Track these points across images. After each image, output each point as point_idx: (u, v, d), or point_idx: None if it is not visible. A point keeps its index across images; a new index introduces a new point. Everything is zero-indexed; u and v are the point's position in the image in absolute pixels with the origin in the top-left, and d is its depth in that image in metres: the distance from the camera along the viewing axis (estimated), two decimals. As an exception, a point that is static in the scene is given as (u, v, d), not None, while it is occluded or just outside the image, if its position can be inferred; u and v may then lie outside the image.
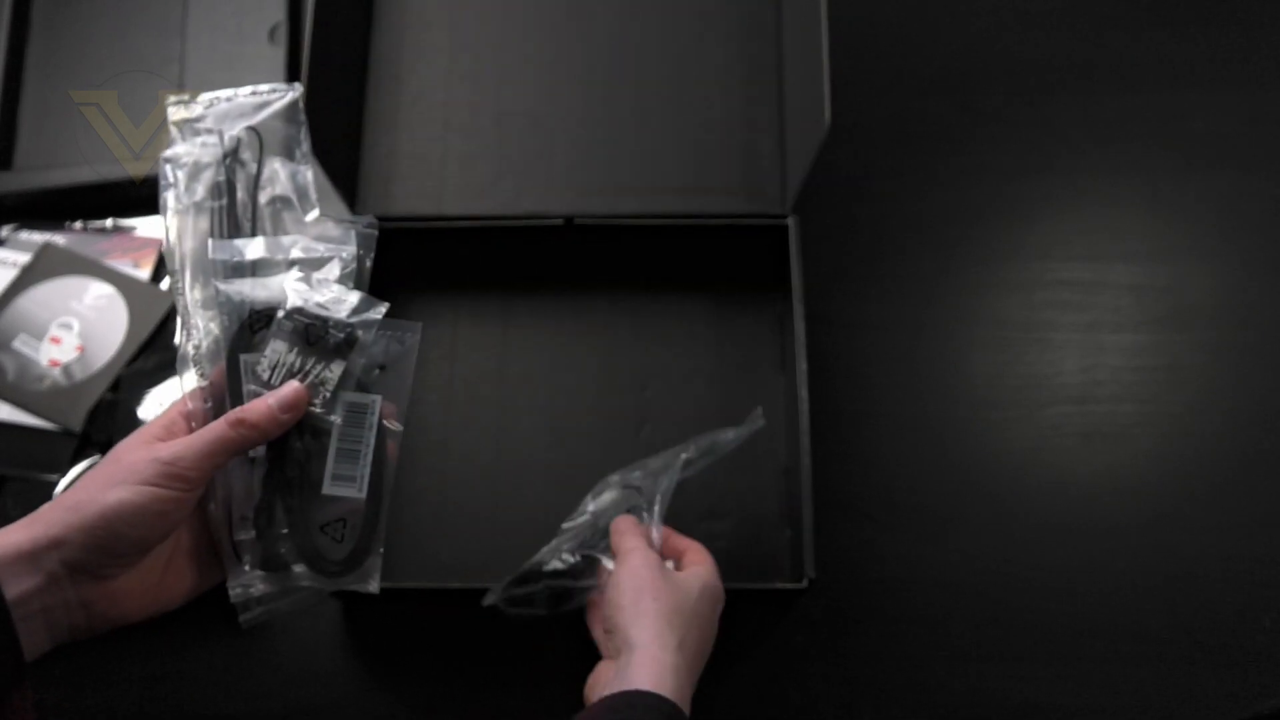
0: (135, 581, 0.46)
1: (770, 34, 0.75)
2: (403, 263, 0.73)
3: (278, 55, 0.79)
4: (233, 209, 0.50)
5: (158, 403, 0.70)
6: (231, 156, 0.50)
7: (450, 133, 0.72)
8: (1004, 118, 0.79)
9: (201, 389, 0.48)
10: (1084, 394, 0.72)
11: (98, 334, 0.72)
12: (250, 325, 0.48)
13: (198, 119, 0.51)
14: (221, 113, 0.51)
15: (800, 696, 0.65)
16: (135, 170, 0.74)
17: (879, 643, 0.66)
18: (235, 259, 0.49)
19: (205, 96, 0.51)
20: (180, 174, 0.50)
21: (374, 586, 0.50)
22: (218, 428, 0.45)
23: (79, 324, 0.72)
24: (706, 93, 0.73)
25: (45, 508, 0.44)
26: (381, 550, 0.50)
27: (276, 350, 0.47)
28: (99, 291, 0.73)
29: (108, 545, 0.43)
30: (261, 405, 0.46)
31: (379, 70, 0.74)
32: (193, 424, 0.48)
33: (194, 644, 0.66)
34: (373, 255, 0.51)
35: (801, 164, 0.64)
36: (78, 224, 0.76)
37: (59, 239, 0.75)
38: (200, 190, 0.50)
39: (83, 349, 0.72)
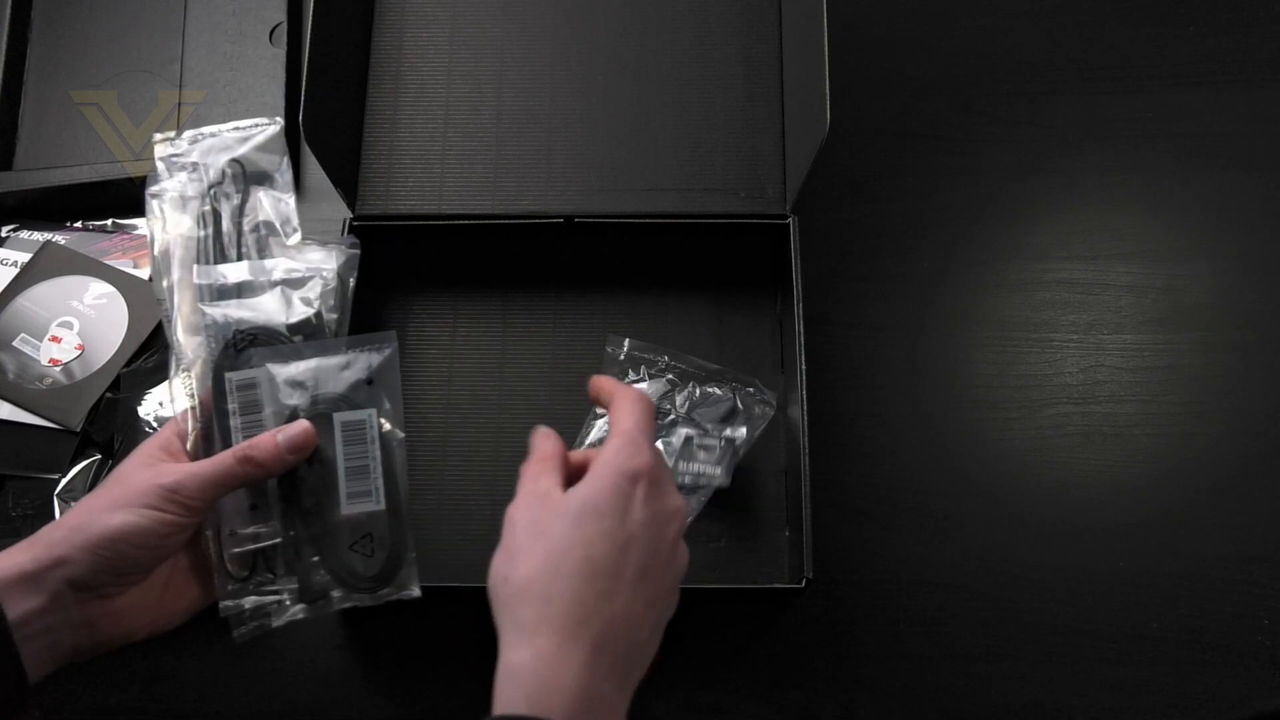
0: (136, 600, 0.46)
1: (770, 34, 0.75)
2: (402, 261, 0.73)
3: (278, 55, 0.79)
4: (219, 237, 0.52)
5: (158, 402, 0.70)
6: (216, 188, 0.53)
7: (450, 131, 0.73)
8: (1004, 118, 0.79)
9: (193, 409, 0.49)
10: (1084, 394, 0.72)
11: (98, 333, 0.72)
12: (235, 344, 0.50)
13: (183, 154, 0.53)
14: (206, 147, 0.53)
15: (800, 696, 0.65)
16: (135, 170, 0.74)
17: (879, 643, 0.66)
18: (220, 283, 0.51)
19: (189, 133, 0.53)
20: (166, 207, 0.52)
21: (415, 591, 0.51)
22: (224, 462, 0.46)
23: (79, 323, 0.72)
24: (706, 92, 0.73)
25: (47, 528, 0.45)
26: (413, 554, 0.51)
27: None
28: (99, 291, 0.73)
29: (111, 565, 0.44)
30: (270, 444, 0.47)
31: (379, 70, 0.74)
32: (185, 444, 0.49)
33: (193, 644, 0.66)
34: (355, 274, 0.54)
35: (802, 164, 0.64)
36: (78, 224, 0.76)
37: (59, 239, 0.75)
38: (186, 222, 0.52)
39: (83, 348, 0.72)
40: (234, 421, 0.49)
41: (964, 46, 0.81)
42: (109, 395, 0.70)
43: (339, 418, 0.50)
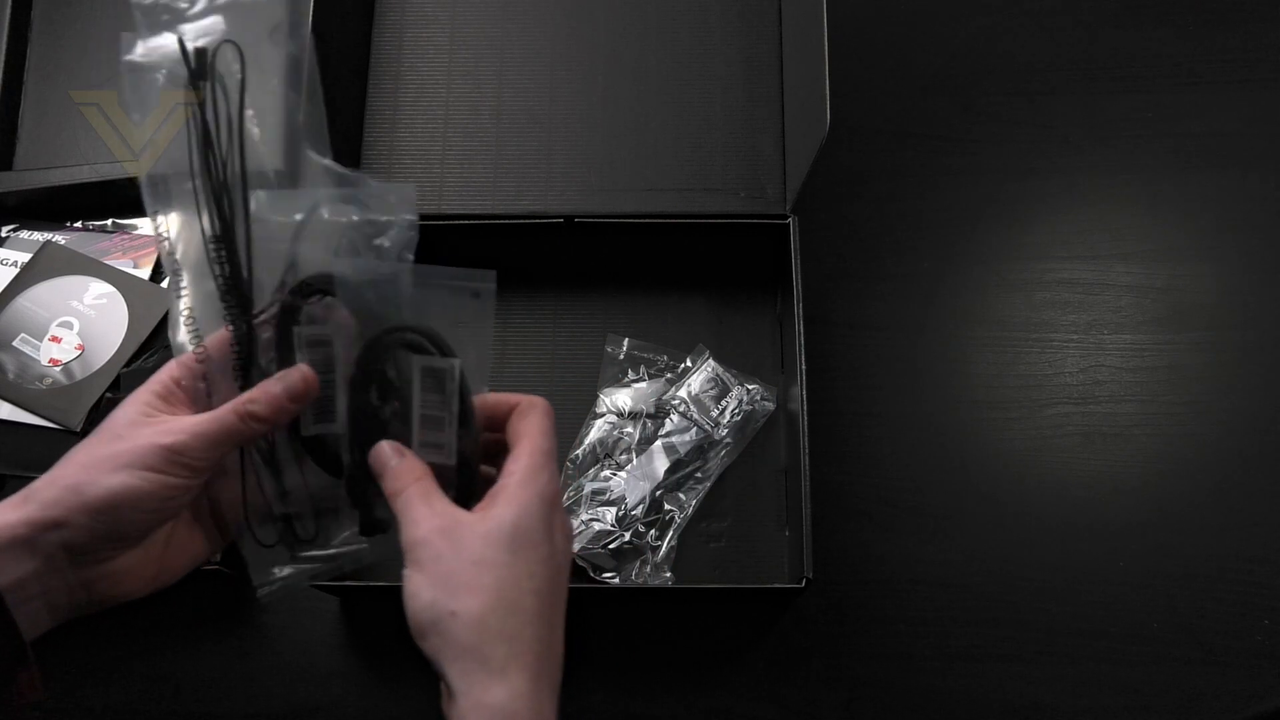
0: (136, 560, 0.44)
1: (770, 34, 0.75)
2: (403, 262, 0.73)
3: (278, 56, 0.79)
4: (207, 139, 0.42)
5: (157, 402, 0.70)
6: (203, 83, 0.42)
7: (450, 131, 0.73)
8: (1004, 118, 0.79)
9: (198, 356, 0.44)
10: (1084, 394, 0.72)
11: (98, 333, 0.72)
12: (300, 292, 0.43)
13: (146, 55, 0.42)
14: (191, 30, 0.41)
15: (800, 696, 0.65)
16: (135, 170, 0.74)
17: (879, 643, 0.66)
18: (284, 219, 0.42)
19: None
20: (150, 86, 0.41)
21: None
22: (226, 419, 0.43)
23: (79, 323, 0.72)
24: (706, 92, 0.73)
25: (40, 484, 0.42)
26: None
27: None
28: (99, 291, 0.73)
29: (111, 530, 0.42)
30: (271, 397, 0.44)
31: (379, 70, 0.74)
32: (188, 392, 0.45)
33: (194, 644, 0.66)
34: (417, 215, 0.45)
35: (802, 164, 0.64)
36: (78, 224, 0.76)
37: (59, 239, 0.75)
38: (173, 131, 0.42)
39: (83, 348, 0.72)
40: None
41: (964, 46, 0.81)
42: (109, 395, 0.70)
43: (419, 361, 0.45)
